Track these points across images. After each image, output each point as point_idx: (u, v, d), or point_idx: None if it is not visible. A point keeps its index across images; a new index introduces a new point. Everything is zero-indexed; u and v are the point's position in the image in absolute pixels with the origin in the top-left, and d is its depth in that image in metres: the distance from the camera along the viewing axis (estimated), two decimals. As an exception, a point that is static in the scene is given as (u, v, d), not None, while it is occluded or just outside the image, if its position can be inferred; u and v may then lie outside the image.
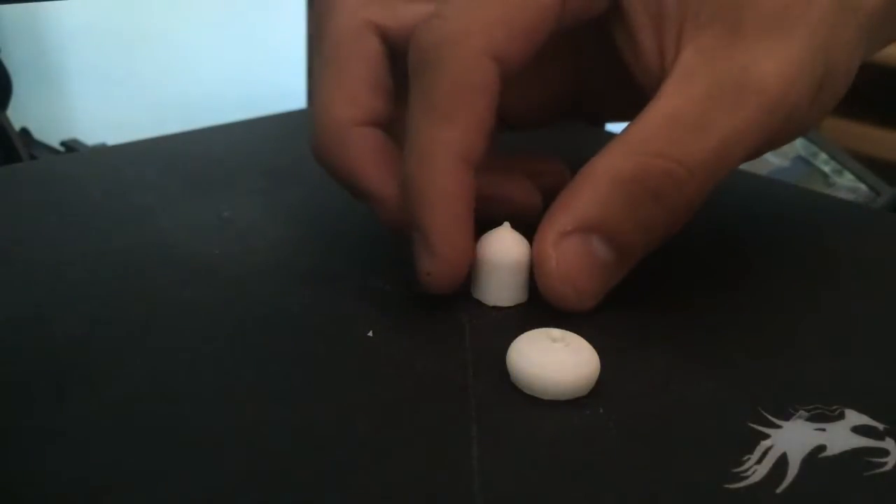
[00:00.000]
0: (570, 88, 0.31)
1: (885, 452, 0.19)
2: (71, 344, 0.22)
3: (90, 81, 1.19)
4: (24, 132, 0.71)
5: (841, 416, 0.20)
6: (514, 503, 0.17)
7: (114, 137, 0.47)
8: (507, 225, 0.24)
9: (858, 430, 0.20)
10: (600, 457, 0.18)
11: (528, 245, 0.24)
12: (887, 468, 0.18)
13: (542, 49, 0.24)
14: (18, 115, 0.61)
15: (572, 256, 0.23)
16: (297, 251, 0.28)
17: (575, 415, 0.20)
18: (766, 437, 0.19)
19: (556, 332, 0.21)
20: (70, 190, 0.32)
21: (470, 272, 0.24)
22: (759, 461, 0.18)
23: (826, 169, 0.81)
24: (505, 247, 0.24)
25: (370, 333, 0.23)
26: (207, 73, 1.23)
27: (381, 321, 0.23)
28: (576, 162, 0.24)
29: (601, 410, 0.20)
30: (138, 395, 0.20)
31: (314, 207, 0.31)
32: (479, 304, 0.25)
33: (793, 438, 0.19)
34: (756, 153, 0.24)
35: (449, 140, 0.23)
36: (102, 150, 0.44)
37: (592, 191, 0.23)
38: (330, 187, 0.31)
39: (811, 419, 0.20)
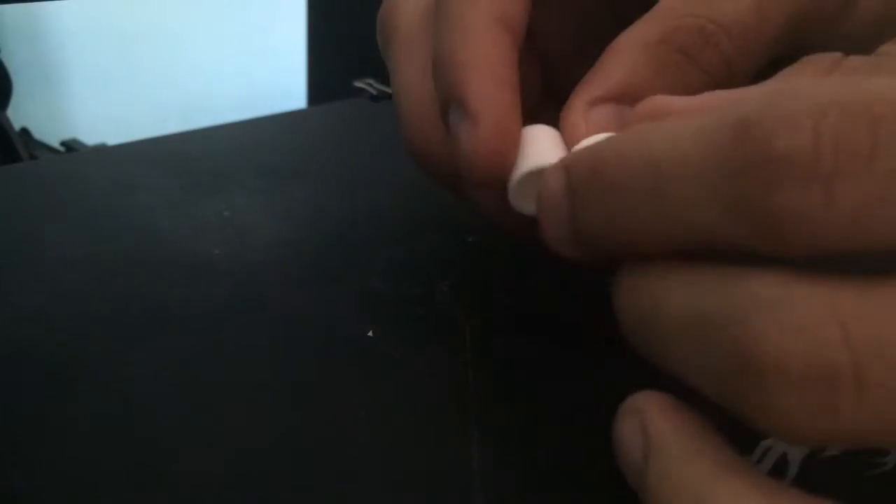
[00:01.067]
0: (606, 9, 0.28)
1: (885, 452, 0.19)
2: (71, 344, 0.22)
3: (90, 81, 1.18)
4: (24, 132, 0.71)
5: (841, 416, 0.20)
6: (514, 503, 0.17)
7: (114, 137, 0.47)
8: (541, 126, 0.21)
9: (858, 430, 0.20)
10: (600, 457, 0.18)
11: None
12: (887, 468, 0.18)
13: None
14: (18, 115, 0.61)
15: (605, 125, 0.20)
16: (297, 251, 0.28)
17: (575, 415, 0.20)
18: (767, 436, 0.19)
19: None
20: (70, 190, 0.32)
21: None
22: (759, 461, 0.18)
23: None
24: (544, 146, 0.20)
25: (370, 333, 0.23)
26: (207, 73, 1.23)
27: (381, 321, 0.23)
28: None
29: (601, 410, 0.20)
30: (138, 395, 0.20)
31: (314, 207, 0.31)
32: (480, 304, 0.25)
33: (793, 438, 0.19)
34: (801, 21, 0.22)
35: (482, 1, 0.20)
36: (102, 150, 0.44)
37: (619, 59, 0.21)
38: (330, 187, 0.31)
39: (811, 419, 0.20)
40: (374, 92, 0.44)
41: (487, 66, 0.20)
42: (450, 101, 0.20)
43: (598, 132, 0.20)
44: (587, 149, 0.16)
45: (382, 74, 0.45)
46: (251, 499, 0.17)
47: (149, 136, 0.38)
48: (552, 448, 0.19)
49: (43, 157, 0.61)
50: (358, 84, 0.45)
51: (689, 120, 0.14)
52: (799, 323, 0.13)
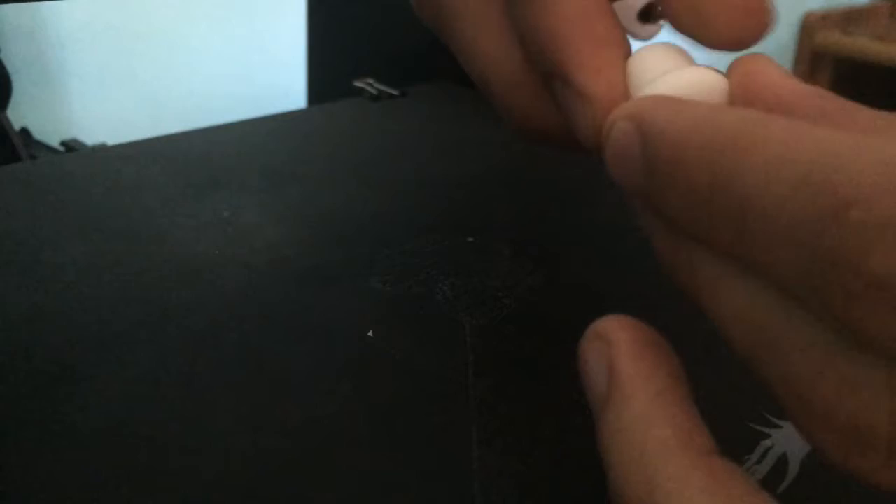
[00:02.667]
0: None
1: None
2: (71, 344, 0.22)
3: (90, 81, 1.19)
4: (24, 132, 0.71)
5: (841, 416, 0.20)
6: (514, 503, 0.17)
7: (114, 137, 0.46)
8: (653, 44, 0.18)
9: (858, 430, 0.20)
10: (600, 457, 0.18)
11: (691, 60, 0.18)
12: (887, 468, 0.18)
13: None
14: (18, 115, 0.62)
15: None
16: (297, 251, 0.28)
17: (575, 415, 0.20)
18: (766, 437, 0.19)
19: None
20: (70, 190, 0.32)
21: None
22: (759, 461, 0.18)
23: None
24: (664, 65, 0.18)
25: (370, 333, 0.23)
26: (207, 73, 1.23)
27: (381, 321, 0.23)
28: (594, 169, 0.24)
29: (601, 410, 0.20)
30: (138, 394, 0.20)
31: (314, 207, 0.31)
32: (480, 304, 0.25)
33: (793, 438, 0.19)
34: None
35: None
36: (102, 150, 0.44)
37: None
38: (330, 187, 0.31)
39: (811, 419, 0.20)
40: (374, 92, 0.44)
41: (585, 32, 0.18)
42: (552, 77, 0.18)
43: None
44: (665, 129, 0.15)
45: (382, 74, 0.45)
46: (251, 498, 0.17)
47: (149, 136, 0.38)
48: (552, 448, 0.19)
49: (43, 157, 0.61)
50: (358, 84, 0.45)
51: (788, 160, 0.13)
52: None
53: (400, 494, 0.17)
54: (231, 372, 0.21)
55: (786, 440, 0.19)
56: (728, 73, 0.17)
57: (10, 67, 0.61)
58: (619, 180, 0.16)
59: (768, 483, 0.18)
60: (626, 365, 0.16)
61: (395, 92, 0.44)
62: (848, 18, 1.79)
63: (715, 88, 0.17)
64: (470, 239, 0.29)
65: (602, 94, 0.17)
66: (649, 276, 0.25)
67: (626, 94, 0.18)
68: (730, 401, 0.21)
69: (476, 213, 0.31)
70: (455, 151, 0.38)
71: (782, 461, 0.18)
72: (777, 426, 0.19)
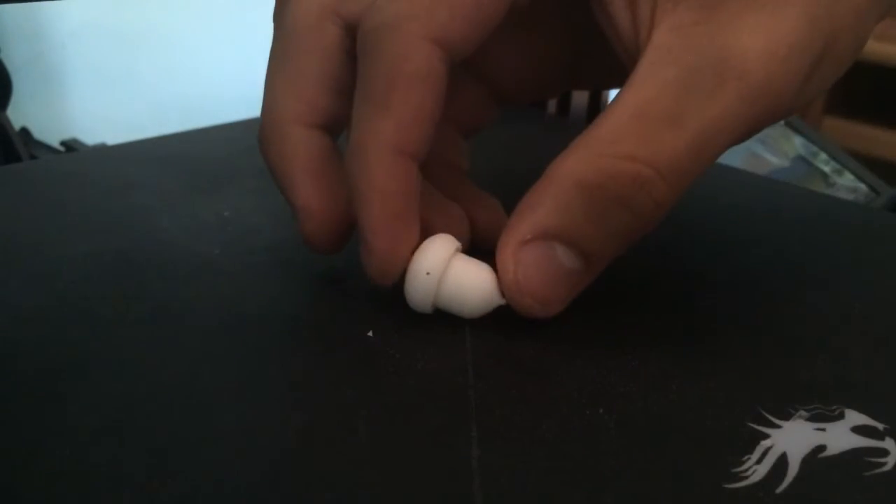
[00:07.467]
0: (565, 57, 0.28)
1: (885, 452, 0.19)
2: (71, 344, 0.22)
3: (90, 81, 1.19)
4: (24, 132, 0.71)
5: (841, 416, 0.20)
6: (514, 503, 0.17)
7: (114, 137, 0.47)
8: (439, 236, 0.23)
9: (858, 429, 0.20)
10: (600, 457, 0.18)
11: (452, 252, 0.23)
12: (887, 468, 0.18)
13: (507, 27, 0.22)
14: (18, 115, 0.62)
15: (533, 266, 0.22)
16: (297, 251, 0.28)
17: (575, 415, 0.20)
18: (766, 436, 0.19)
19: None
20: (70, 190, 0.32)
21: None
22: (759, 461, 0.18)
23: (826, 169, 0.82)
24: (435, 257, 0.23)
25: (370, 333, 0.23)
26: (207, 73, 1.23)
27: (381, 321, 0.23)
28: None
29: (601, 411, 0.20)
30: (138, 395, 0.20)
31: (314, 207, 0.31)
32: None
33: (793, 438, 0.19)
34: (738, 141, 0.22)
35: (382, 130, 0.21)
36: (102, 150, 0.44)
37: (553, 197, 0.21)
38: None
39: (811, 419, 0.20)
40: (374, 92, 0.44)
41: (383, 202, 0.22)
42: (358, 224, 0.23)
43: (527, 271, 0.22)
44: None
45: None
46: (250, 499, 0.17)
47: (149, 136, 0.38)
48: (552, 448, 0.19)
49: (43, 157, 0.61)
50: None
51: None
52: None
53: (400, 494, 0.17)
54: (231, 372, 0.21)
55: (786, 440, 0.19)
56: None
57: (10, 67, 0.61)
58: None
59: (768, 483, 0.18)
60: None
61: (395, 92, 0.44)
62: (848, 18, 1.78)
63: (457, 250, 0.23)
64: (470, 239, 0.28)
65: (383, 254, 0.22)
66: (648, 275, 0.25)
67: (403, 259, 0.23)
68: (730, 401, 0.21)
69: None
70: (455, 151, 0.37)
71: (782, 461, 0.18)
72: (777, 426, 0.19)
